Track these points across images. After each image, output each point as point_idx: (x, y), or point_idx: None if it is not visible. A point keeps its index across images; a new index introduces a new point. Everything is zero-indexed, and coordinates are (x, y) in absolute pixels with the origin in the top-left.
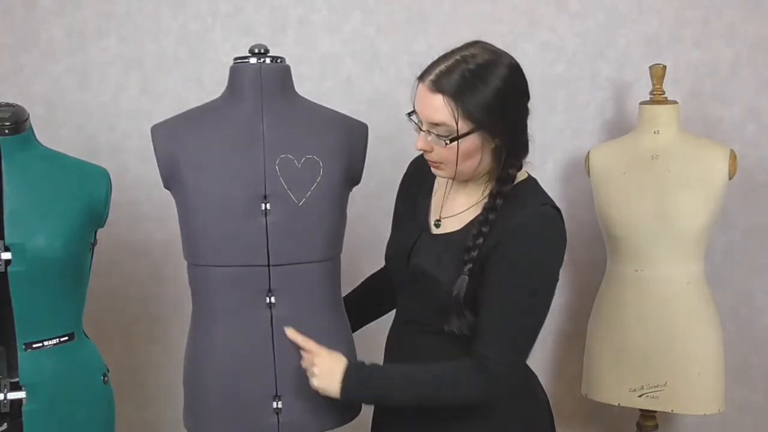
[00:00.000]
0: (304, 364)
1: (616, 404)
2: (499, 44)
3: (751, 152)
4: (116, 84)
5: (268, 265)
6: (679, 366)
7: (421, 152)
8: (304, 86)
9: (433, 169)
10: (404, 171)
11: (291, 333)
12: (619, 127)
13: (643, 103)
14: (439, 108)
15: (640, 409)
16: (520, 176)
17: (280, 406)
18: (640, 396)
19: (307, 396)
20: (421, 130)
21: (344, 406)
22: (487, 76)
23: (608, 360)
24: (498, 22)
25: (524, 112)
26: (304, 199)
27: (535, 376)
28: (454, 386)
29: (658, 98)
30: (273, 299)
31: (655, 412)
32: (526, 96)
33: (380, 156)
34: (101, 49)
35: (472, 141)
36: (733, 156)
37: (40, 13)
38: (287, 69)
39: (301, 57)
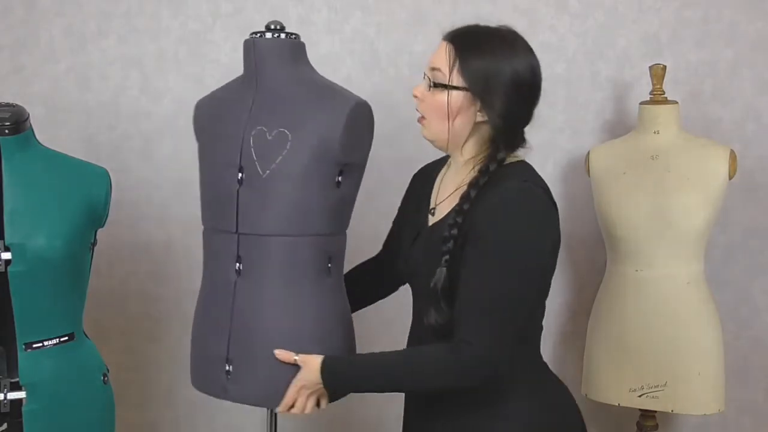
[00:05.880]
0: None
1: (616, 404)
2: None
3: (751, 152)
4: (116, 84)
5: (237, 233)
6: (679, 366)
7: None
8: None
9: (420, 124)
10: (404, 171)
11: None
12: (619, 127)
13: (643, 103)
14: (441, 54)
15: (640, 409)
16: (514, 159)
17: (230, 369)
18: (640, 396)
19: (254, 368)
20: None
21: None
22: (498, 52)
23: (608, 360)
24: (498, 22)
25: (521, 110)
26: (268, 171)
27: (563, 384)
28: (428, 372)
29: (658, 98)
30: (240, 266)
31: (655, 412)
32: (530, 98)
33: (380, 156)
34: (101, 49)
35: (455, 98)
36: (733, 156)
37: (40, 13)
38: (285, 44)
39: None
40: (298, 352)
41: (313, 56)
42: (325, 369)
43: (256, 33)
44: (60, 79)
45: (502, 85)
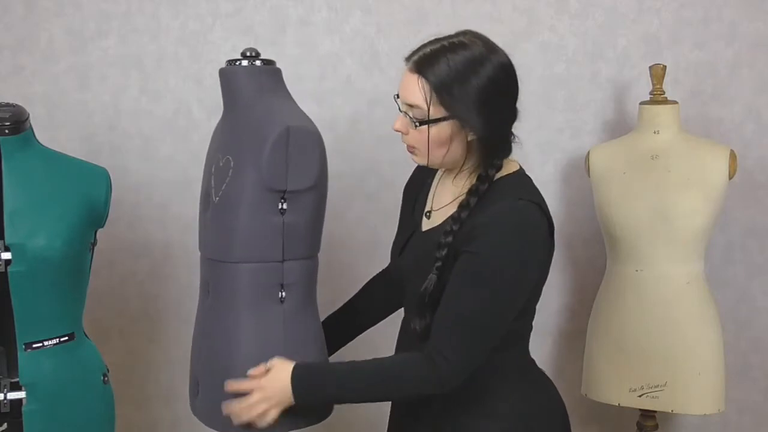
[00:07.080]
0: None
1: (616, 404)
2: (499, 44)
3: (751, 152)
4: (116, 84)
5: (205, 257)
6: (679, 366)
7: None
8: (304, 86)
9: (409, 154)
10: (403, 172)
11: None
12: (619, 127)
13: (643, 103)
14: (415, 90)
15: (640, 409)
16: (511, 168)
17: (198, 388)
18: (640, 396)
19: (212, 392)
20: (400, 110)
21: None
22: (469, 68)
23: (608, 360)
24: (498, 22)
25: (507, 113)
26: (217, 198)
27: (551, 382)
28: (400, 380)
29: (658, 98)
30: (209, 289)
31: (655, 412)
32: (511, 97)
33: (379, 157)
34: (101, 49)
35: (443, 129)
36: (733, 156)
37: (40, 13)
38: (254, 71)
39: (301, 57)
40: (232, 379)
41: (313, 56)
42: (296, 374)
43: (232, 61)
44: (60, 79)
45: (481, 99)
